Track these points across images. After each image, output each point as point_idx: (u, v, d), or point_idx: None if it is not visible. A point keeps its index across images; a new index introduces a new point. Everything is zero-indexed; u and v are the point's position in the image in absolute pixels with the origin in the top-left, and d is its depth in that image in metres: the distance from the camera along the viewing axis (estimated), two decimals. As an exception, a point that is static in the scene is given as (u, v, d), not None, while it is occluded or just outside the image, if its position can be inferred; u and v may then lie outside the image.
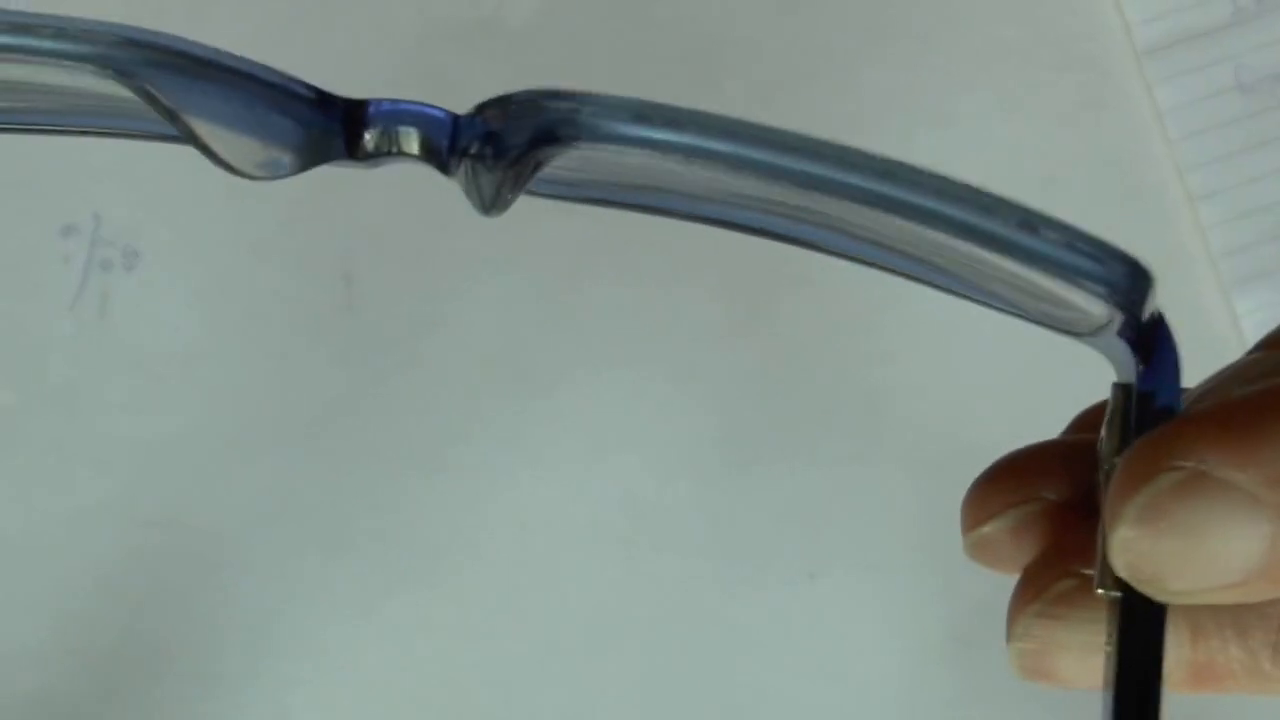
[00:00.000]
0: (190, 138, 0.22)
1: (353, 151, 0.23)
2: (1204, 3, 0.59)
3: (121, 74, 0.22)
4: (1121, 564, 0.23)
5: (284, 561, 0.56)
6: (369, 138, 0.23)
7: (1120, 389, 0.24)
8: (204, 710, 0.55)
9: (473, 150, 0.23)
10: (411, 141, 0.23)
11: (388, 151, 0.23)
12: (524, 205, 0.64)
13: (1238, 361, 0.26)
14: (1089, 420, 0.28)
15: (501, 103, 0.22)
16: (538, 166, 0.22)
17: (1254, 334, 0.55)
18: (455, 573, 0.56)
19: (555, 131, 0.22)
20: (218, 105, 0.22)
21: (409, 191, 0.51)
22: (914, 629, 0.55)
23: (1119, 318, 0.23)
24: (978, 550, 0.27)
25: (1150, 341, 0.23)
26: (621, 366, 0.57)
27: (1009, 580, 0.30)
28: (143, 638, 0.56)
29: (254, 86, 0.22)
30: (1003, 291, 0.24)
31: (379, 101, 0.23)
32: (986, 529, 0.27)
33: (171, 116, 0.22)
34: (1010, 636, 0.26)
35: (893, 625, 0.55)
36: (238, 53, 0.23)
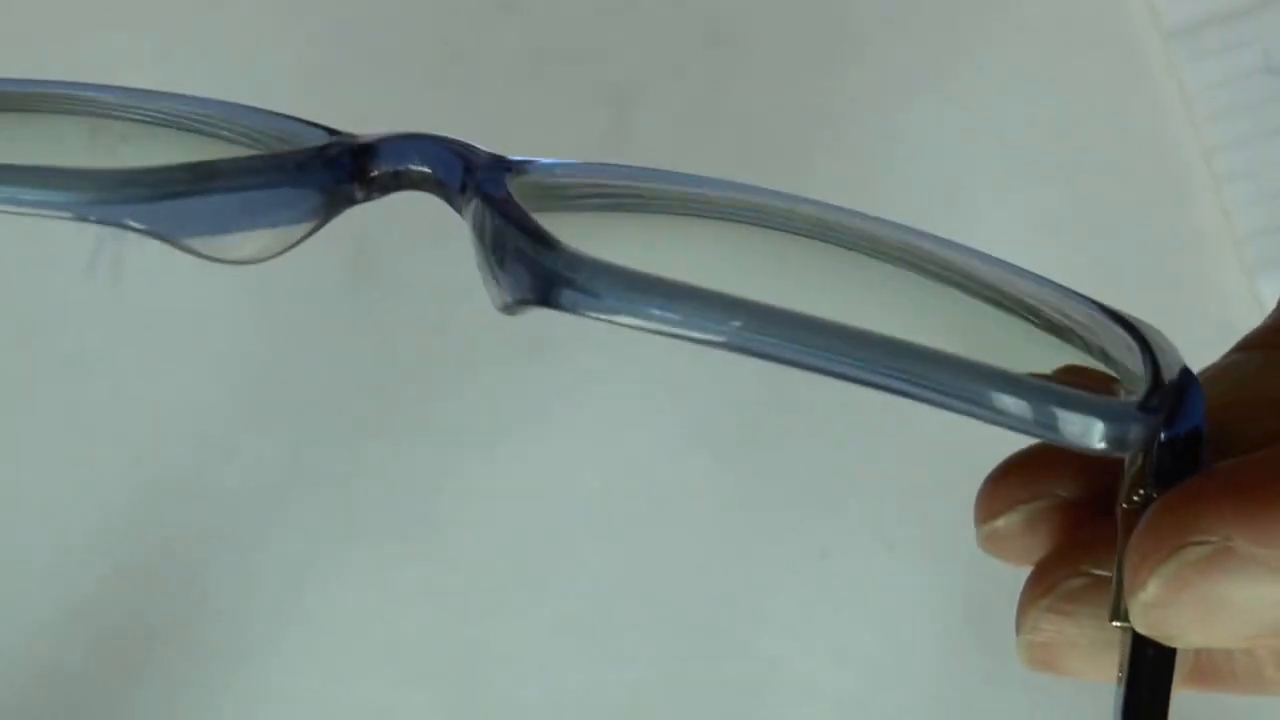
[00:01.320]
0: (199, 255, 0.22)
1: (365, 197, 0.23)
2: (1232, -17, 0.58)
3: (118, 223, 0.22)
4: (1142, 623, 0.23)
5: (295, 535, 0.56)
6: (378, 177, 0.23)
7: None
8: (217, 682, 0.55)
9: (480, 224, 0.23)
10: (425, 180, 0.23)
11: (397, 187, 0.23)
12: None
13: (1217, 363, 0.27)
14: None
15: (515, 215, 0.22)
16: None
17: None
18: (465, 546, 0.56)
19: (552, 299, 0.21)
20: (228, 215, 0.22)
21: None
22: (926, 609, 0.55)
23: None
24: (991, 543, 0.27)
25: (1174, 404, 0.23)
26: (637, 342, 0.56)
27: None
28: (152, 609, 0.56)
29: (260, 181, 0.22)
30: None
31: (388, 141, 0.23)
32: (999, 523, 0.27)
33: (180, 246, 0.22)
34: (1019, 629, 0.26)
35: (904, 605, 0.55)
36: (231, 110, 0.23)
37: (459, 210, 0.23)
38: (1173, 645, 0.24)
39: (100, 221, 0.22)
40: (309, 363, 0.58)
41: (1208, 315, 0.56)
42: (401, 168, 0.23)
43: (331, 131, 0.23)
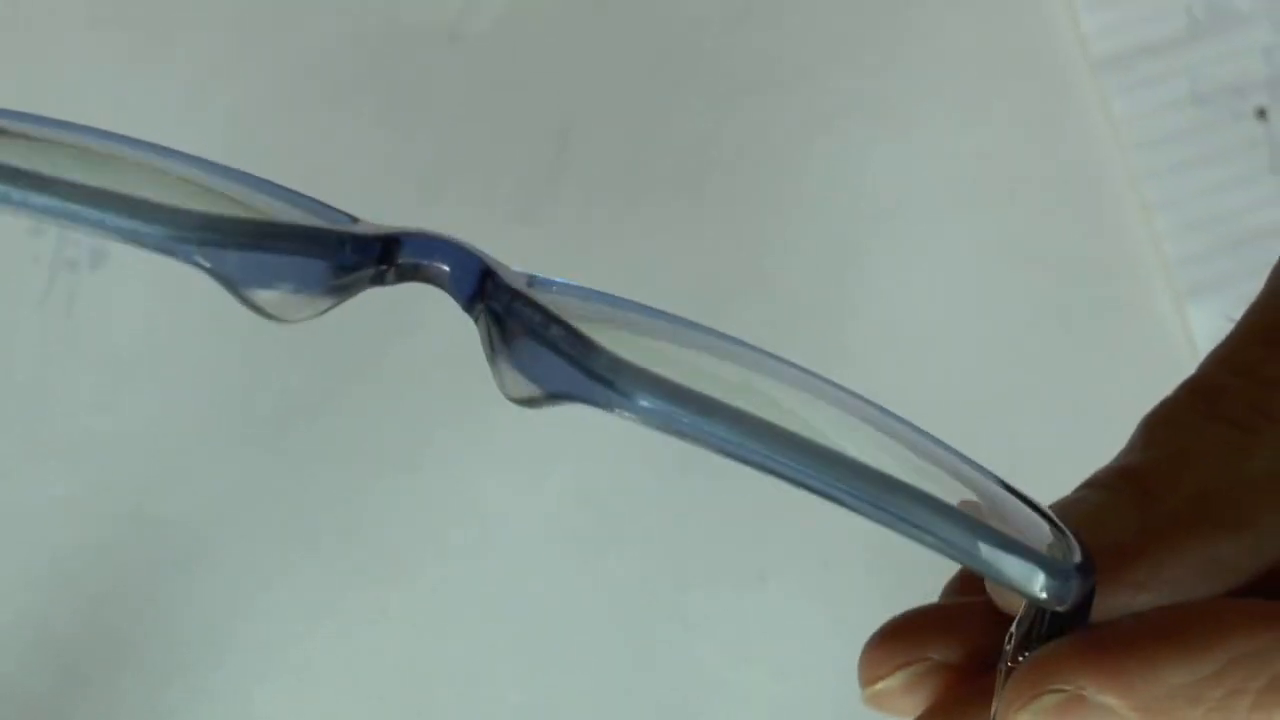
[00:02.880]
0: (243, 300, 0.24)
1: (380, 280, 0.25)
2: (1159, 15, 0.60)
3: (189, 258, 0.24)
4: None
5: (246, 556, 0.57)
6: (399, 269, 0.25)
7: (1034, 608, 0.26)
8: (166, 701, 0.56)
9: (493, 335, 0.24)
10: (441, 277, 0.25)
11: (414, 278, 0.25)
12: (483, 213, 0.64)
13: (1066, 498, 0.29)
14: (970, 575, 0.31)
15: (540, 318, 0.24)
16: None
17: (1206, 343, 0.56)
18: (416, 568, 0.57)
19: (582, 396, 0.24)
20: (270, 271, 0.24)
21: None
22: (864, 628, 0.55)
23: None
24: (874, 701, 0.30)
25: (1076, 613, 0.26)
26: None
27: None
28: (107, 630, 0.56)
29: (306, 248, 0.24)
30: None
31: (410, 238, 0.24)
32: (880, 686, 0.29)
33: (230, 287, 0.24)
34: None
35: (842, 624, 0.55)
36: (277, 182, 0.24)
37: (469, 307, 0.24)
38: None
39: (171, 255, 0.24)
40: (260, 389, 0.59)
41: (1138, 341, 0.57)
42: (425, 263, 0.25)
43: (353, 219, 0.24)
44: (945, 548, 0.24)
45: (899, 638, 0.30)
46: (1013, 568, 0.24)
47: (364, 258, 0.24)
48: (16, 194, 0.23)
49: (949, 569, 0.34)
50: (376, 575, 0.57)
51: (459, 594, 0.57)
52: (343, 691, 0.56)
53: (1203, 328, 0.57)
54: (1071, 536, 0.25)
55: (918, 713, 0.30)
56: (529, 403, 0.24)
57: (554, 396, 0.24)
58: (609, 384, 0.23)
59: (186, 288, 0.59)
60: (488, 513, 0.57)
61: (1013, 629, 0.27)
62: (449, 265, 0.24)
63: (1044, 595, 0.25)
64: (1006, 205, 0.59)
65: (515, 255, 0.60)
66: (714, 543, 0.57)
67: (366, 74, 0.62)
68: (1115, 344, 0.58)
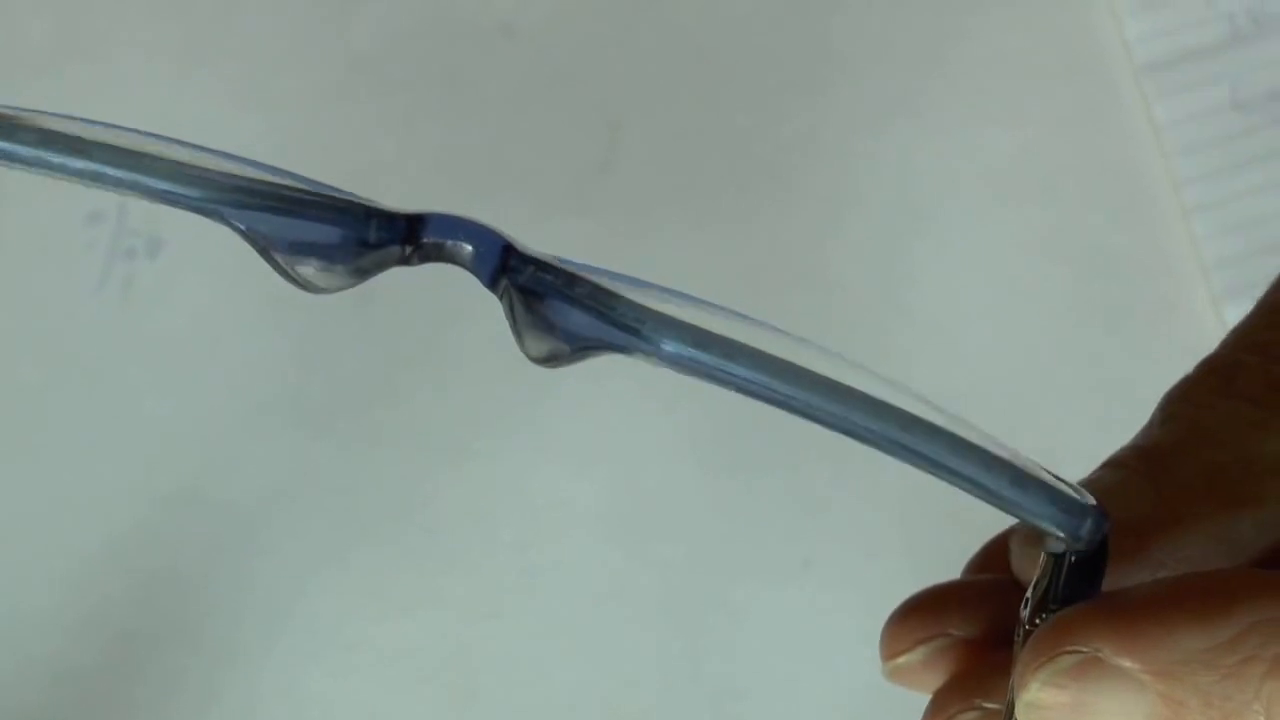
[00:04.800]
0: (274, 264, 0.25)
1: (406, 260, 0.25)
2: (1202, 22, 0.60)
3: (225, 218, 0.24)
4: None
5: (299, 539, 0.57)
6: (423, 249, 0.25)
7: (1053, 559, 0.27)
8: (220, 680, 0.56)
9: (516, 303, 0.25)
10: (464, 255, 0.25)
11: (437, 258, 0.25)
12: (535, 207, 0.64)
13: (1090, 475, 0.29)
14: (991, 554, 0.32)
15: (564, 279, 0.24)
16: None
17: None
18: (466, 555, 0.57)
19: (613, 342, 0.24)
20: (301, 237, 0.25)
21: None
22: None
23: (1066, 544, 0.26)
24: (896, 676, 0.31)
25: (1091, 563, 0.26)
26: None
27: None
28: (162, 611, 0.57)
29: (335, 218, 0.25)
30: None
31: (433, 217, 0.25)
32: (900, 660, 0.30)
33: (263, 251, 0.24)
34: None
35: (885, 613, 0.56)
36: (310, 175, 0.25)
37: (493, 285, 0.25)
38: None
39: (207, 215, 0.24)
40: (311, 374, 0.59)
41: (1175, 341, 0.58)
42: (449, 242, 0.25)
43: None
44: (965, 482, 0.24)
45: (919, 614, 0.31)
46: (1031, 500, 0.25)
47: (388, 235, 0.25)
48: (55, 158, 0.24)
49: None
50: (427, 560, 0.57)
51: (509, 582, 0.57)
52: (393, 674, 0.56)
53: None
54: (1085, 491, 0.26)
55: (937, 686, 0.30)
56: (552, 359, 0.24)
57: (580, 349, 0.24)
58: (634, 330, 0.24)
59: (242, 276, 0.59)
60: (537, 502, 0.58)
61: (1028, 594, 0.27)
62: (472, 244, 0.25)
63: (1060, 533, 0.25)
64: (1049, 205, 0.60)
65: (565, 247, 0.61)
66: (759, 534, 0.57)
67: (418, 68, 0.62)
68: (1153, 344, 0.58)
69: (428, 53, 0.62)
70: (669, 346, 0.24)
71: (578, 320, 0.24)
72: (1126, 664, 0.25)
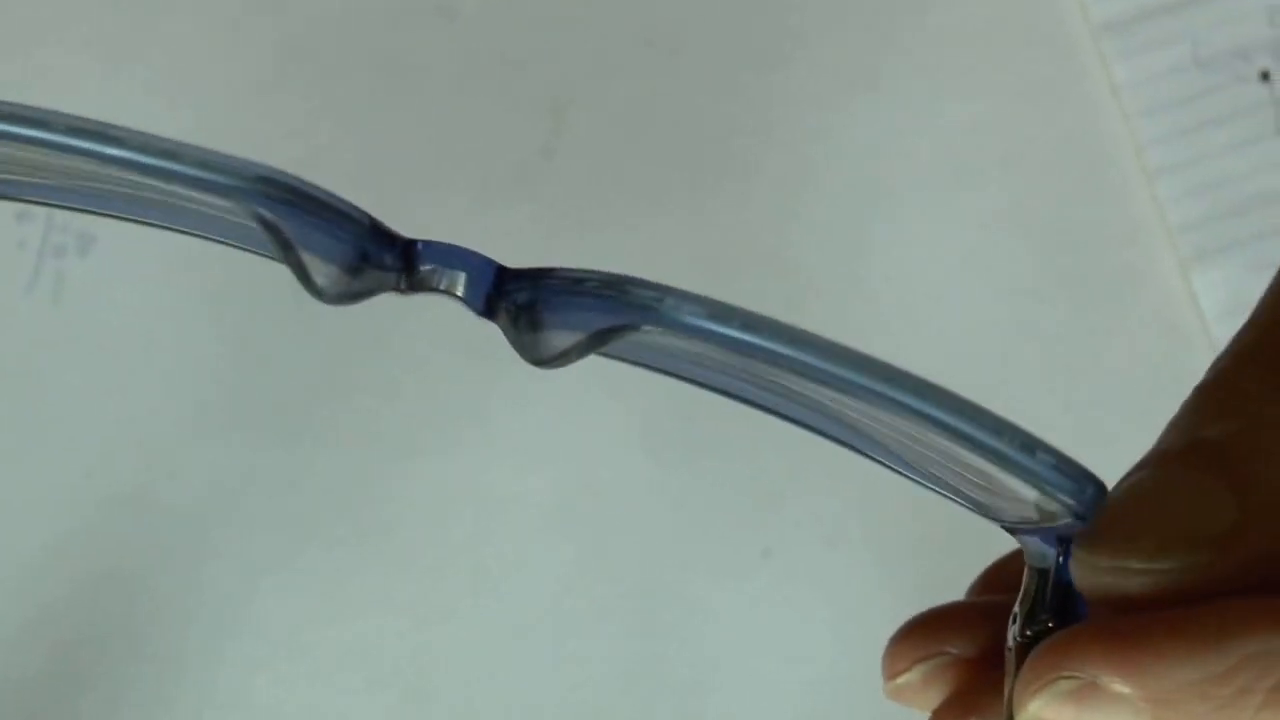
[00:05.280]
0: (294, 265, 0.25)
1: (404, 286, 0.26)
2: (1161, -22, 0.59)
3: (256, 209, 0.24)
4: None
5: (245, 541, 0.56)
6: (420, 275, 0.26)
7: (1037, 574, 0.27)
8: (166, 688, 0.55)
9: (517, 317, 0.26)
10: (457, 285, 0.26)
11: (433, 288, 0.26)
12: (481, 196, 0.64)
13: (1145, 476, 0.27)
14: (993, 576, 0.32)
15: (567, 280, 0.25)
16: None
17: (1211, 308, 0.56)
18: (419, 553, 0.56)
19: (631, 323, 0.24)
20: (320, 240, 0.25)
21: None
22: (867, 605, 0.55)
23: (1067, 521, 0.26)
24: (896, 695, 0.31)
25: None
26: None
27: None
28: (105, 616, 0.56)
29: (348, 225, 0.25)
30: (949, 479, 0.27)
31: (430, 244, 0.25)
32: (900, 680, 0.31)
33: (285, 247, 0.25)
34: None
35: (846, 602, 0.55)
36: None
37: (489, 311, 0.26)
38: None
39: (240, 203, 0.24)
40: (255, 372, 0.58)
41: (1143, 307, 0.57)
42: (442, 269, 0.26)
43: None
44: (978, 447, 0.24)
45: (919, 634, 0.31)
46: (1040, 466, 0.24)
47: (384, 253, 0.25)
48: (85, 144, 0.24)
49: (951, 544, 0.34)
50: (379, 561, 0.56)
51: (462, 581, 0.56)
52: (344, 678, 0.56)
53: (1208, 293, 0.56)
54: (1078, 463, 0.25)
55: (936, 705, 0.31)
56: (567, 355, 0.25)
57: (598, 335, 0.24)
58: (652, 309, 0.24)
59: (176, 272, 0.59)
60: (489, 499, 0.57)
61: (1016, 607, 0.27)
62: (465, 271, 0.25)
63: (1070, 500, 0.25)
64: (1009, 174, 0.59)
65: (509, 236, 0.60)
66: (717, 525, 0.57)
67: (353, 52, 0.61)
68: (1121, 310, 0.57)
69: (363, 36, 0.61)
70: (690, 319, 0.24)
71: (592, 311, 0.24)
72: (1124, 690, 0.25)
